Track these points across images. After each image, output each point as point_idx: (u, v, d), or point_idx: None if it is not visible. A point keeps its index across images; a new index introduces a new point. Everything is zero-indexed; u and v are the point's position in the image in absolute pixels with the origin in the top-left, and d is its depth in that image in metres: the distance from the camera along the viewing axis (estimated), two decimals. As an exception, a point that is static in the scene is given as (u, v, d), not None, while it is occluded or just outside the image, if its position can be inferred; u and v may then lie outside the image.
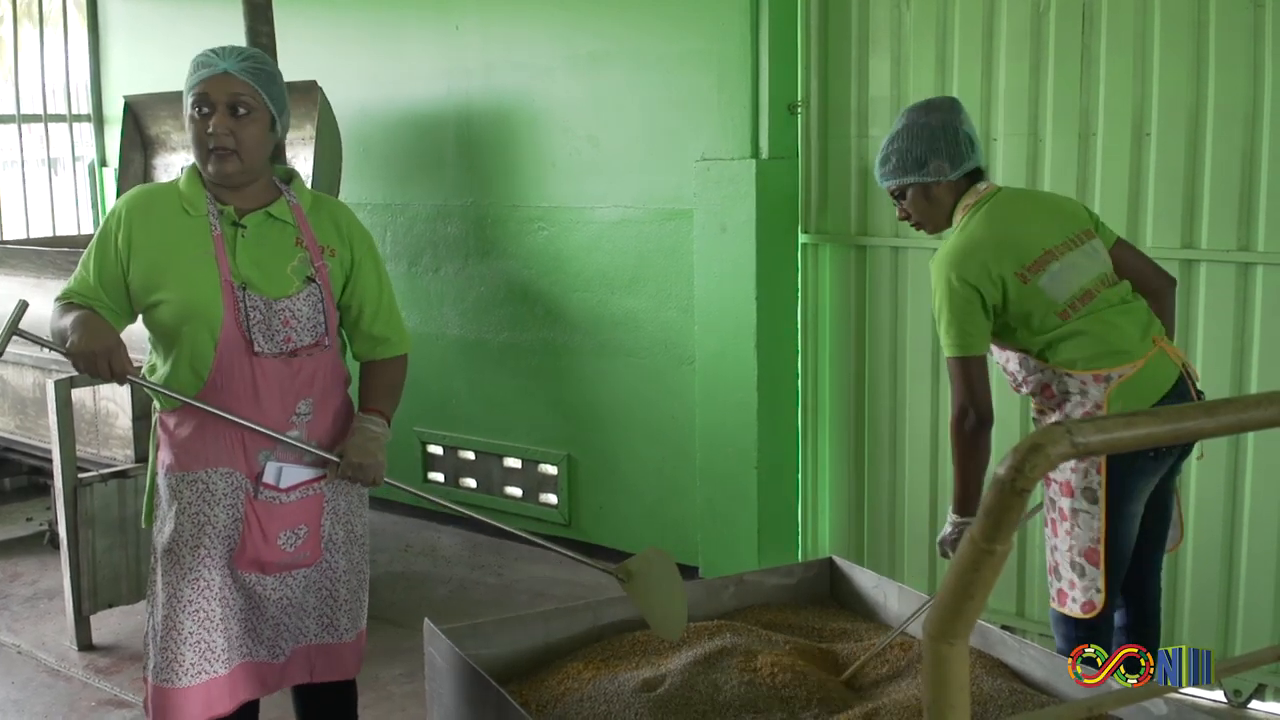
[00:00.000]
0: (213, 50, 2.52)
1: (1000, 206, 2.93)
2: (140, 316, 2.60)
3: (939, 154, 2.92)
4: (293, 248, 2.58)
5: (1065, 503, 2.85)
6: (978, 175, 2.98)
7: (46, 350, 2.56)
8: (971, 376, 2.85)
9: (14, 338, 2.47)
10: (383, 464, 2.59)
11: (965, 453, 2.91)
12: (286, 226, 2.58)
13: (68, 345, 2.42)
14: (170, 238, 2.52)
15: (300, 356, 2.56)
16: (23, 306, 2.49)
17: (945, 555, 3.05)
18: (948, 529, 2.99)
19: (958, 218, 2.95)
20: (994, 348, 2.97)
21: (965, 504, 2.93)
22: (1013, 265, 2.84)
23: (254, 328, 2.50)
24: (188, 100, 2.50)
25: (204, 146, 2.49)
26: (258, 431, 2.51)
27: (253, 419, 2.51)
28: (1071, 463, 2.79)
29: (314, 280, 2.57)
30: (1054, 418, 2.91)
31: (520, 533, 2.91)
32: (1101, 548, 2.80)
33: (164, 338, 2.55)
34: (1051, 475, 2.85)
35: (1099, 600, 2.83)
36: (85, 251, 2.58)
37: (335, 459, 2.56)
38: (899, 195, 3.02)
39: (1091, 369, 2.83)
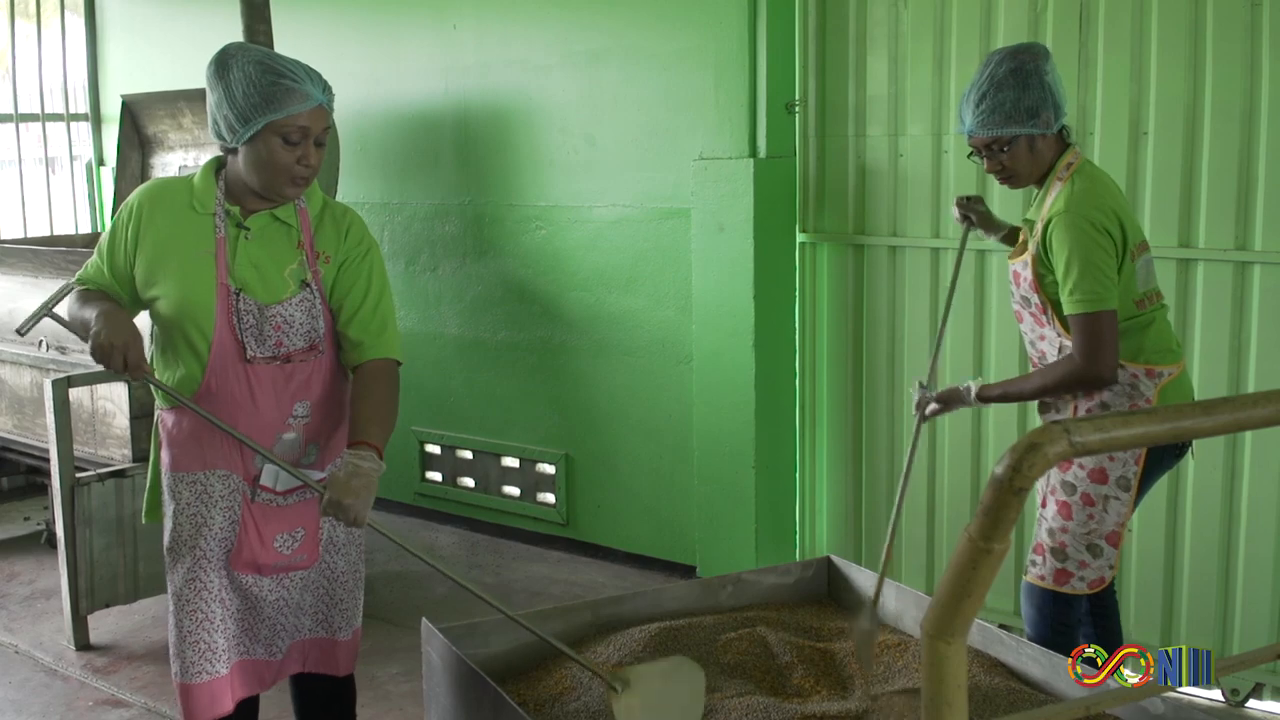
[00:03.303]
0: (300, 72, 2.44)
1: (1107, 178, 2.86)
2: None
3: (1048, 105, 2.76)
4: (293, 250, 2.57)
5: (1095, 489, 2.81)
6: (1066, 131, 2.88)
7: (45, 350, 2.57)
8: (1104, 333, 2.69)
9: (44, 318, 2.53)
10: (367, 504, 2.42)
11: (1045, 389, 2.83)
12: (290, 229, 2.57)
13: (90, 335, 2.43)
14: (174, 232, 2.52)
15: (295, 361, 2.55)
16: (65, 290, 2.56)
17: (921, 400, 3.03)
18: (971, 387, 2.94)
19: (1059, 175, 2.81)
20: (1034, 324, 2.90)
21: (993, 399, 2.94)
22: (1133, 236, 2.79)
23: (246, 332, 2.49)
24: (271, 119, 2.40)
25: (289, 173, 2.46)
26: (250, 446, 2.48)
27: (248, 422, 2.51)
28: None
29: (309, 285, 2.56)
30: (1086, 404, 2.86)
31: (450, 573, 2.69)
32: (1123, 529, 2.84)
33: (163, 333, 2.57)
34: (1081, 460, 2.81)
35: (1109, 576, 2.87)
36: (102, 237, 2.61)
37: (320, 491, 2.44)
38: (999, 147, 2.81)
39: (1148, 363, 2.81)
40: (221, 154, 2.57)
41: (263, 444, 2.53)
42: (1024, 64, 2.76)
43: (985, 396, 2.93)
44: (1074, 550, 2.85)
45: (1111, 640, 3.01)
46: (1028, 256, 2.84)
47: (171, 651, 2.59)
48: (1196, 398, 3.56)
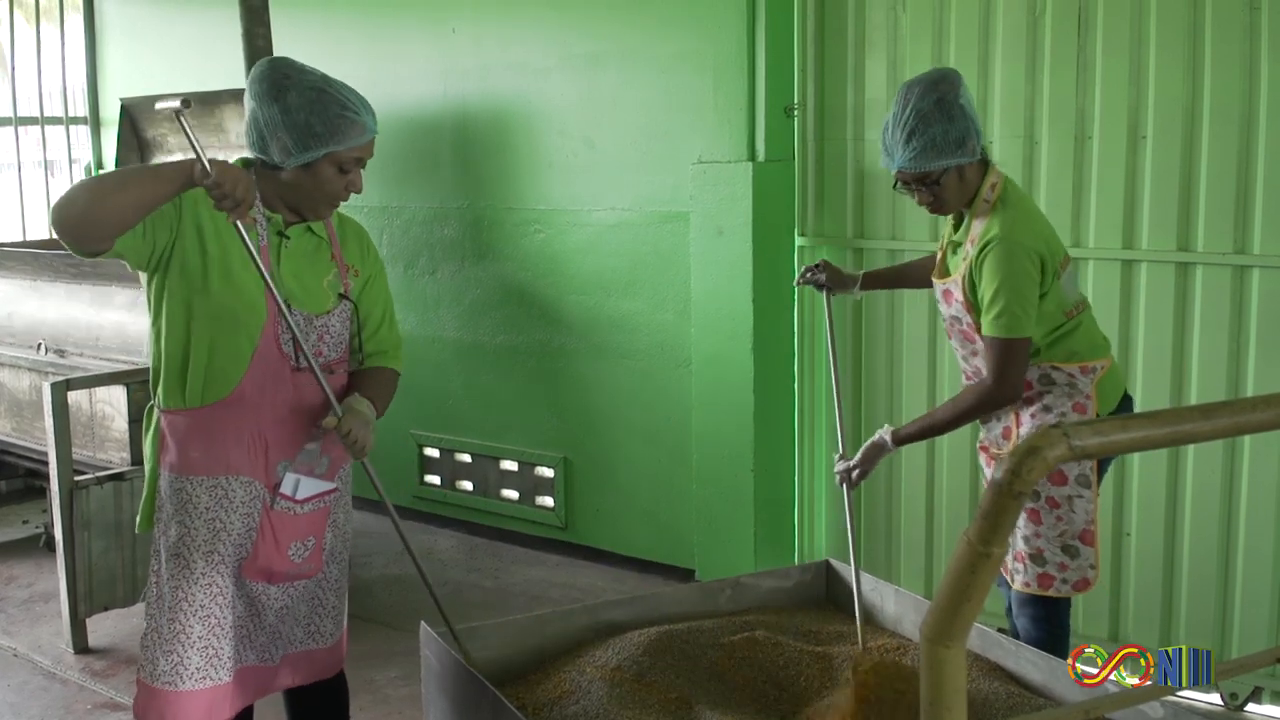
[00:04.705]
0: (359, 103, 2.47)
1: (1029, 200, 2.92)
2: (162, 311, 2.49)
3: (971, 133, 2.78)
4: (328, 262, 2.59)
5: (1058, 491, 2.85)
6: (985, 151, 2.91)
7: (44, 353, 2.54)
8: (1017, 357, 2.78)
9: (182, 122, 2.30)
10: (371, 439, 2.54)
11: (960, 417, 2.92)
12: (322, 241, 2.60)
13: (205, 161, 2.23)
14: (215, 232, 2.45)
15: (336, 372, 2.58)
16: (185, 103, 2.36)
17: (843, 472, 3.06)
18: (885, 437, 2.99)
19: (986, 197, 2.83)
20: (964, 341, 2.93)
21: (910, 438, 2.98)
22: (1058, 255, 2.85)
23: (295, 341, 2.47)
24: (333, 151, 2.43)
25: (336, 198, 2.51)
26: (325, 394, 2.48)
27: (279, 430, 2.50)
28: None
29: (345, 297, 2.59)
30: (1028, 410, 2.90)
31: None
32: (1095, 528, 2.86)
33: (194, 334, 2.46)
34: None
35: (1093, 576, 2.88)
36: None
37: (338, 413, 2.50)
38: (931, 180, 2.82)
39: (1082, 360, 2.87)
40: (249, 159, 2.54)
41: (288, 455, 2.55)
42: (945, 95, 2.77)
43: (902, 438, 2.99)
44: (1051, 554, 2.88)
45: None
46: (958, 277, 2.86)
47: (164, 660, 2.50)
48: (1196, 401, 3.57)
